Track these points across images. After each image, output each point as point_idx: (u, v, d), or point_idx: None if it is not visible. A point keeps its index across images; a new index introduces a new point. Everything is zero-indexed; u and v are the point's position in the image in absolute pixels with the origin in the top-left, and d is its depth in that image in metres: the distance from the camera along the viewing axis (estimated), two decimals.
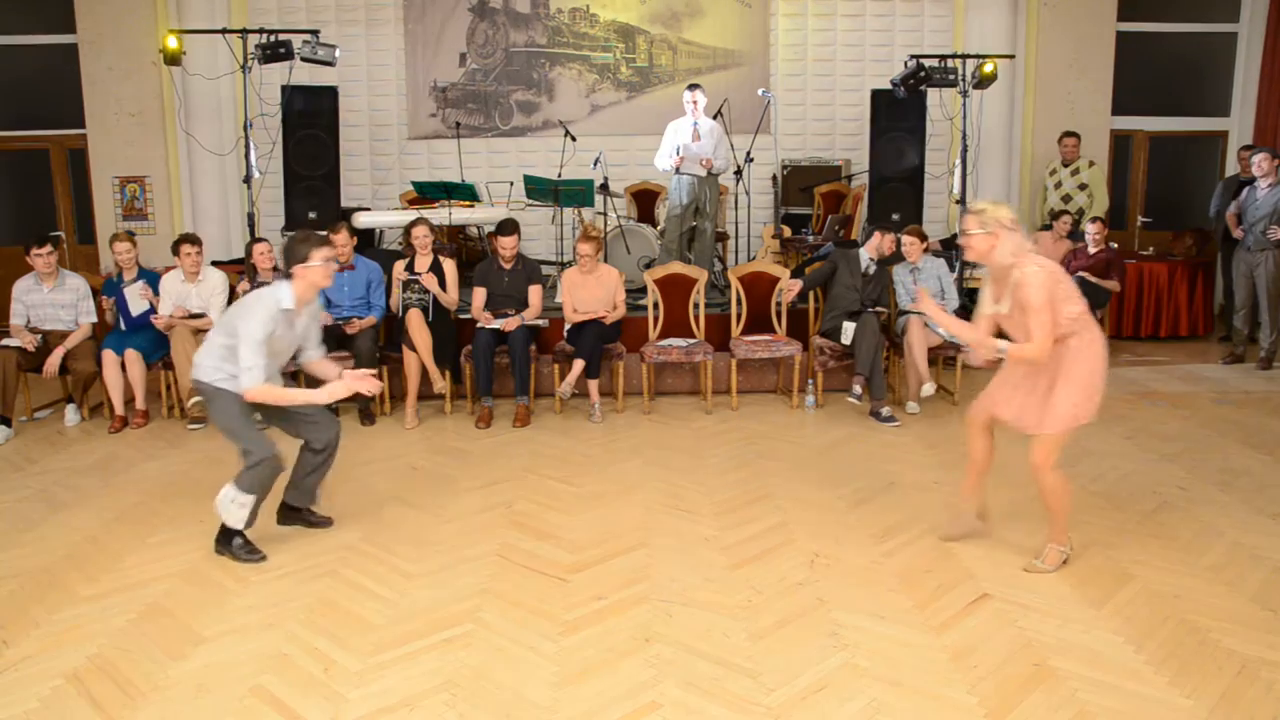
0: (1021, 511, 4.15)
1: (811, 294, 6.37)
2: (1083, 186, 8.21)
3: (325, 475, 4.08)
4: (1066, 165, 8.28)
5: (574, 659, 2.97)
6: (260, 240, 6.05)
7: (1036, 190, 8.86)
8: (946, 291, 6.12)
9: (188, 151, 8.67)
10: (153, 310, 5.94)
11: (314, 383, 4.03)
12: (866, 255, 6.12)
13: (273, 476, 3.80)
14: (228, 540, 3.80)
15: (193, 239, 5.97)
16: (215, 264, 6.11)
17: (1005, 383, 3.62)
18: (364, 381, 3.78)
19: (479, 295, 6.02)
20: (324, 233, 3.87)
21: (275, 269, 6.04)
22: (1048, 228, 8.09)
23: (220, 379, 3.71)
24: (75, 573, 3.67)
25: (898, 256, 6.27)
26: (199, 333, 5.74)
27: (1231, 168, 9.13)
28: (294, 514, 4.10)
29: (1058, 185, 8.33)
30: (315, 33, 7.07)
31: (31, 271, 5.94)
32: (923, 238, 6.16)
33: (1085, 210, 8.08)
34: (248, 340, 3.60)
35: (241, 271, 6.14)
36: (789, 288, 6.20)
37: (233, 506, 3.75)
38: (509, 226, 6.03)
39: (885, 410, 5.68)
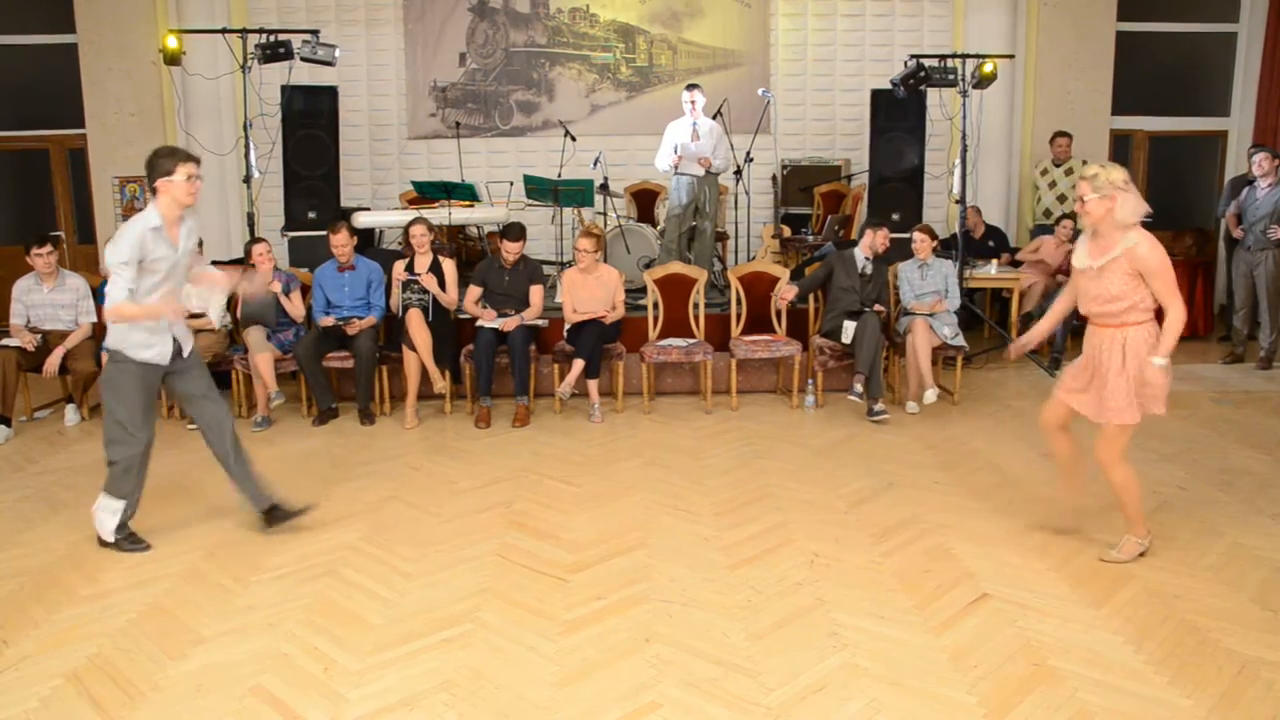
0: (1021, 510, 4.16)
1: (811, 294, 6.37)
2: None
3: (247, 462, 4.04)
4: (1059, 165, 8.28)
5: (573, 659, 2.97)
6: (259, 240, 6.04)
7: (1032, 190, 8.86)
8: (950, 291, 6.12)
9: None
10: None
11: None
12: (862, 255, 6.12)
13: (135, 477, 3.84)
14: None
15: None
16: (215, 264, 6.10)
17: (1076, 371, 3.63)
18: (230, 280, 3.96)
19: (473, 292, 6.02)
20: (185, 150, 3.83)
21: (275, 268, 6.05)
22: (1043, 229, 8.06)
23: (116, 340, 3.74)
24: (75, 572, 3.67)
25: (905, 253, 6.28)
26: (198, 332, 5.74)
27: (1231, 167, 9.14)
28: (274, 515, 4.05)
29: (1051, 185, 8.31)
30: (315, 33, 7.07)
31: (31, 271, 5.95)
32: (933, 236, 6.17)
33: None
34: (114, 262, 3.57)
35: (242, 272, 6.13)
36: (783, 294, 6.19)
37: (103, 514, 3.86)
38: (516, 231, 6.02)
39: (877, 406, 5.67)
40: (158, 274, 3.70)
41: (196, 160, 3.75)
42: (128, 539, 3.89)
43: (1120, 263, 3.40)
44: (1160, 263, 3.37)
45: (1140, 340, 3.46)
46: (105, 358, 3.88)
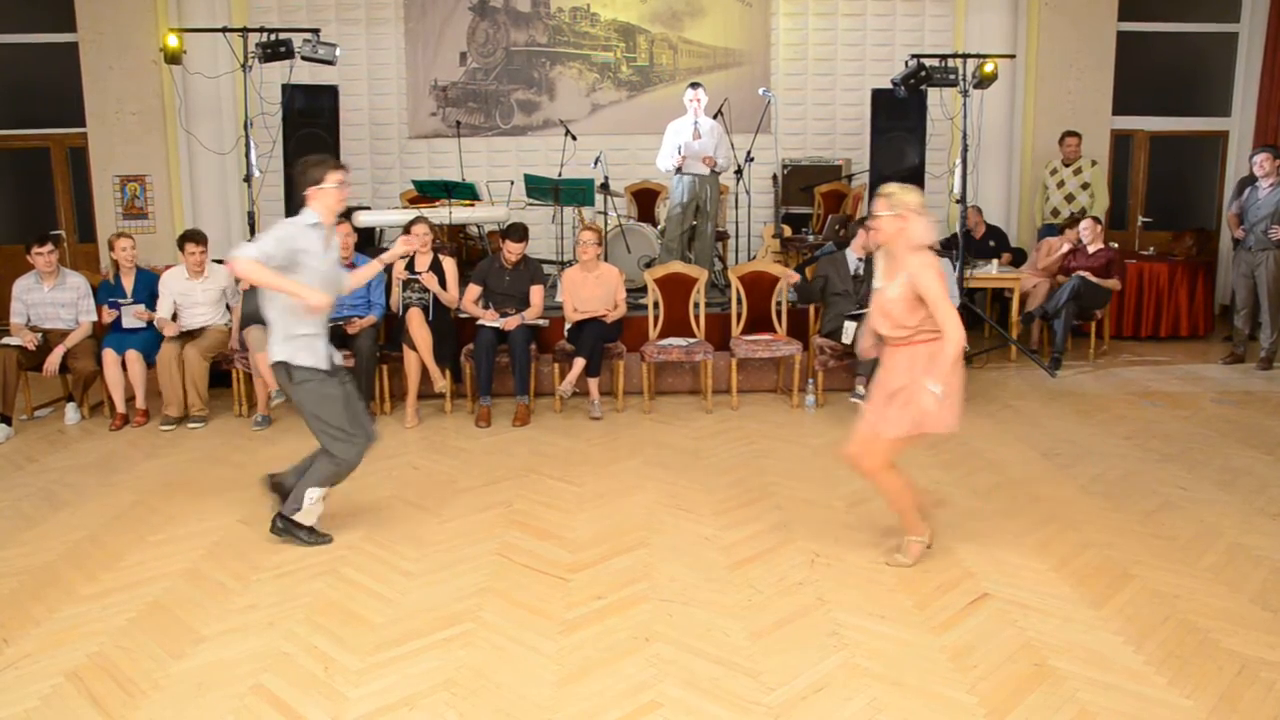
0: (1021, 510, 4.16)
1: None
2: (1085, 186, 8.21)
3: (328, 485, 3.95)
4: (1068, 165, 8.26)
5: (574, 658, 2.97)
6: None
7: (1036, 189, 8.86)
8: (950, 290, 6.10)
9: (188, 150, 8.67)
10: (147, 326, 5.93)
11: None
12: (854, 256, 6.12)
13: (349, 470, 3.86)
14: (292, 525, 3.87)
15: (198, 238, 5.96)
16: (216, 262, 6.11)
17: (876, 391, 3.55)
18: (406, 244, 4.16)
19: (472, 291, 6.01)
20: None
21: None
22: (1051, 229, 8.04)
23: (289, 353, 3.68)
24: (75, 571, 3.67)
25: None
26: (189, 343, 5.79)
27: (1232, 167, 9.14)
28: (276, 488, 4.03)
29: (1060, 184, 8.30)
30: (316, 31, 7.07)
31: (32, 270, 5.95)
32: None
33: (1087, 210, 8.06)
34: (255, 249, 3.51)
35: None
36: (790, 277, 6.20)
37: (314, 508, 3.86)
38: (519, 233, 6.02)
39: (860, 389, 5.67)
40: (308, 271, 3.63)
41: (345, 168, 3.77)
42: (312, 530, 3.91)
43: (906, 286, 3.37)
44: (936, 289, 3.30)
45: (936, 352, 3.38)
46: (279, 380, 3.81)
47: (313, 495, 3.84)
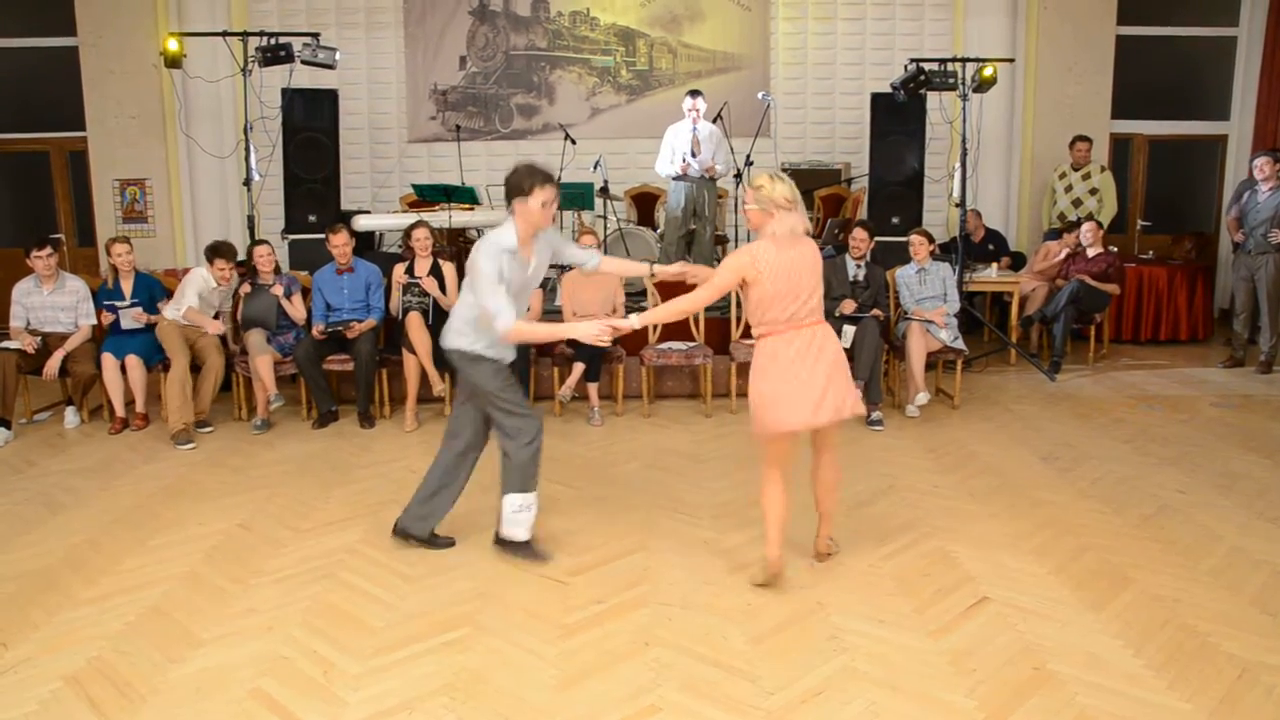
0: (1021, 513, 4.16)
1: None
2: (1094, 191, 8.20)
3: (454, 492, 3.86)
4: (1077, 169, 8.25)
5: (573, 662, 2.96)
6: (261, 243, 6.04)
7: (1037, 193, 8.87)
8: (949, 294, 6.12)
9: (188, 154, 8.68)
10: (146, 329, 5.93)
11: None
12: (853, 262, 6.12)
13: (539, 458, 3.68)
14: (506, 545, 3.73)
15: (228, 254, 5.97)
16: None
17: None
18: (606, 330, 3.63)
19: None
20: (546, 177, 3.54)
21: (276, 270, 6.05)
22: (1055, 233, 8.03)
23: (469, 343, 3.54)
24: (75, 575, 3.67)
25: (904, 257, 6.28)
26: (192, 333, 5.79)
27: (1230, 171, 9.15)
28: (433, 542, 3.87)
29: (1068, 189, 8.29)
30: (315, 36, 7.08)
31: (31, 274, 5.95)
32: (930, 239, 6.17)
33: (1094, 215, 8.05)
34: (482, 282, 3.39)
35: (243, 274, 6.14)
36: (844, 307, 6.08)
37: (519, 517, 3.64)
38: None
39: (875, 414, 5.67)
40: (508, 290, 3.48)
41: (554, 183, 3.57)
42: (528, 545, 3.72)
43: None
44: (728, 262, 3.41)
45: (760, 351, 3.47)
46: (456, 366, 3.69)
47: (512, 503, 3.65)
